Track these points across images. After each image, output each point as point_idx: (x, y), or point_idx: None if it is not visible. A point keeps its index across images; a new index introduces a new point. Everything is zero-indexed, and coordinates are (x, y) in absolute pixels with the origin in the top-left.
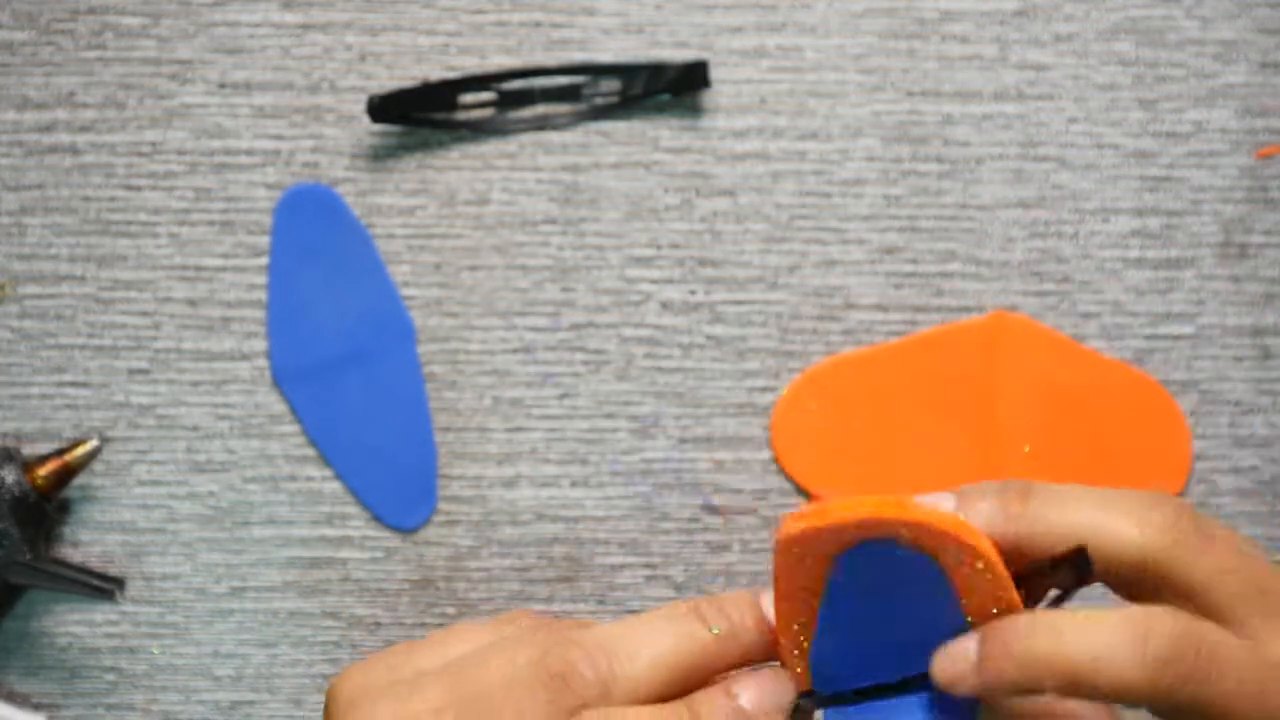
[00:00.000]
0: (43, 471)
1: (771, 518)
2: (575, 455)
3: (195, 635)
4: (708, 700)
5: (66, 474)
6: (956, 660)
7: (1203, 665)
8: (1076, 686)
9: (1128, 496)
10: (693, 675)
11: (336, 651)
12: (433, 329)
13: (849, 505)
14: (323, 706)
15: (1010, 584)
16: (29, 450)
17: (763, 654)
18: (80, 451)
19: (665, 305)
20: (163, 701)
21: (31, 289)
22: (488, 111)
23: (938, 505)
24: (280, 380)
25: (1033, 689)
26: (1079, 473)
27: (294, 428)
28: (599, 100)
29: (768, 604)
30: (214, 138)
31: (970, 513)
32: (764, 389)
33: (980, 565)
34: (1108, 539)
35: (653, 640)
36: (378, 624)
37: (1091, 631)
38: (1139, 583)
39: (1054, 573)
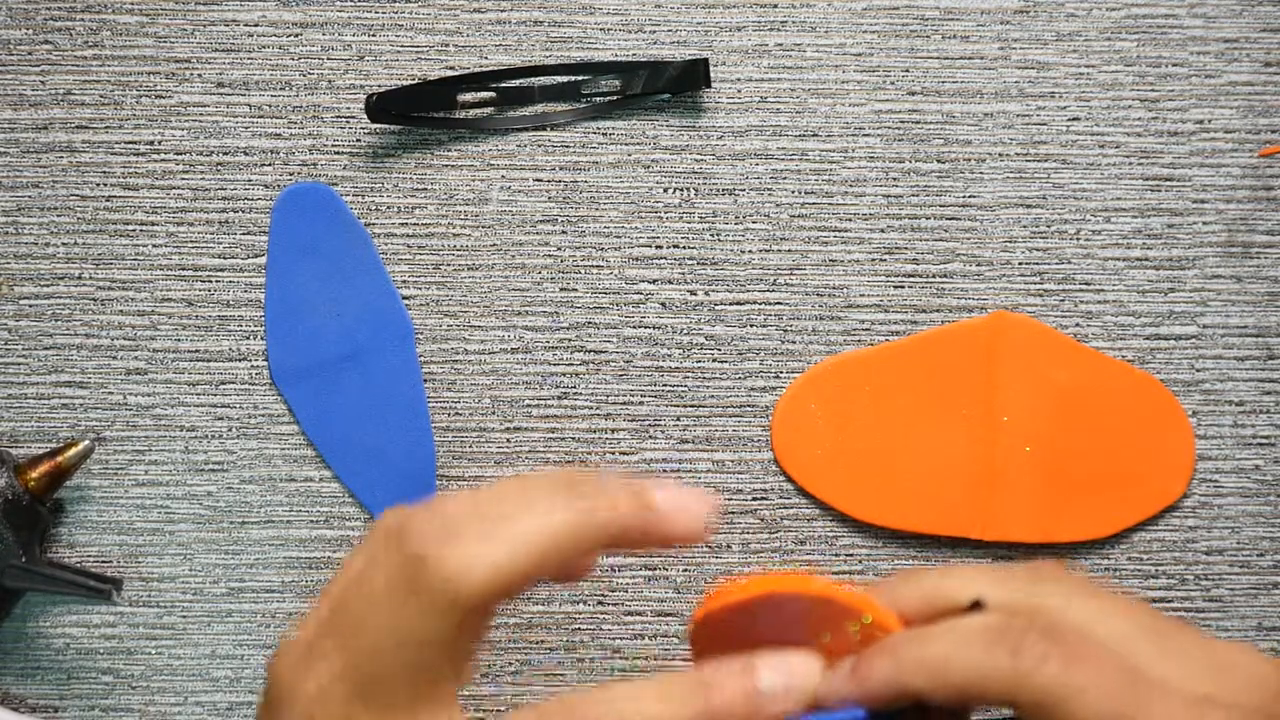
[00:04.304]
0: (35, 473)
1: (771, 518)
2: (575, 455)
3: (193, 637)
4: (724, 674)
5: (59, 475)
6: (838, 673)
7: (1062, 652)
8: (941, 677)
9: (990, 566)
10: (558, 551)
11: None
12: (431, 328)
13: (749, 584)
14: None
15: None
16: (25, 451)
17: (639, 535)
18: (72, 452)
19: (665, 305)
20: (160, 703)
21: (28, 288)
22: (487, 110)
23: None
24: (278, 380)
25: (902, 686)
26: (1081, 473)
27: (292, 428)
28: (598, 99)
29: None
30: (211, 137)
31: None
32: (764, 389)
33: (855, 626)
34: (972, 597)
35: (517, 511)
36: None
37: (954, 629)
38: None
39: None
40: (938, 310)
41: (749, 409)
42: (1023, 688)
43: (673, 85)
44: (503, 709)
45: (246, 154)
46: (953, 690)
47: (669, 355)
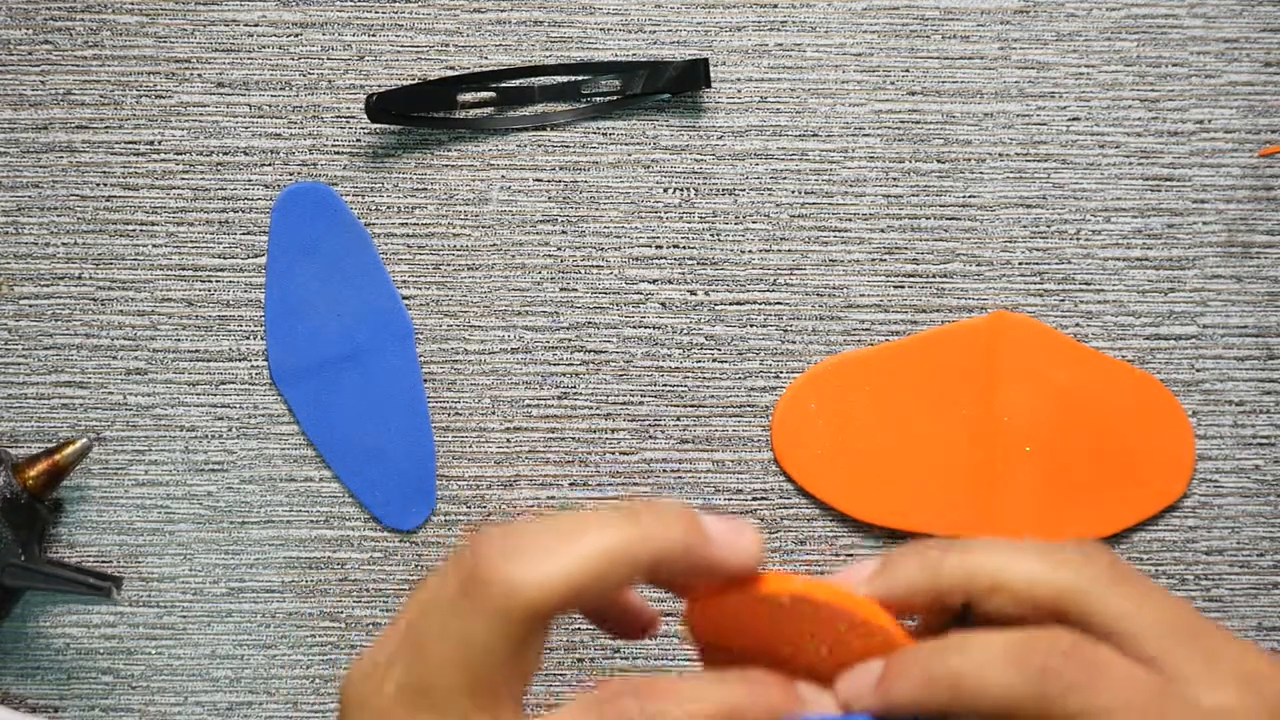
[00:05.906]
0: (33, 472)
1: (771, 518)
2: (575, 455)
3: (193, 637)
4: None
5: (57, 474)
6: (860, 678)
7: (1088, 675)
8: (964, 696)
9: (1044, 544)
10: (615, 570)
11: (335, 653)
12: (431, 329)
13: (763, 579)
14: (321, 708)
15: (901, 641)
16: (26, 451)
17: (691, 561)
18: (70, 450)
19: (665, 305)
20: (160, 703)
21: (28, 288)
22: (487, 110)
23: (851, 573)
24: (278, 380)
25: (925, 702)
26: (1081, 473)
27: (292, 428)
28: (598, 99)
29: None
30: (211, 137)
31: (892, 573)
32: (764, 389)
33: (861, 631)
34: (1020, 577)
35: (573, 538)
36: (376, 625)
37: (978, 646)
38: (1059, 623)
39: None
40: (938, 310)
41: (749, 409)
42: (1051, 712)
43: (673, 85)
44: None
45: (246, 154)
46: (979, 710)
47: (669, 355)
